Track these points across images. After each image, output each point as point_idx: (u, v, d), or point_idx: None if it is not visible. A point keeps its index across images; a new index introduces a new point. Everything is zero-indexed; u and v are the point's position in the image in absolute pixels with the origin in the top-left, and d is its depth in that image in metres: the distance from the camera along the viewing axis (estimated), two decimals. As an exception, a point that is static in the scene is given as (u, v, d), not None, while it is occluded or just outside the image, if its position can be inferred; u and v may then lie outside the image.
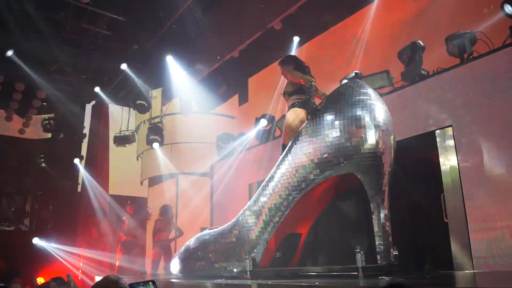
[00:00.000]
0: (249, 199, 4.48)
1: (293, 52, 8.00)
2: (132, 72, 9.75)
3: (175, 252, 6.97)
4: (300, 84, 4.27)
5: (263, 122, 7.18)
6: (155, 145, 9.53)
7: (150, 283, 2.44)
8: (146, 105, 10.18)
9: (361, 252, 3.25)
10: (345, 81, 5.31)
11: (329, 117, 3.74)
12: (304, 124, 4.02)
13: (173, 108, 10.24)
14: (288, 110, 4.44)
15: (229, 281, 3.83)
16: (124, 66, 9.69)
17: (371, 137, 3.58)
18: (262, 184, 4.26)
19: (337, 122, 3.68)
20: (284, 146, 4.26)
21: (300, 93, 4.35)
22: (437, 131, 4.36)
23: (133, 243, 8.01)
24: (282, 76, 4.69)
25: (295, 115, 4.26)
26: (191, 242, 4.98)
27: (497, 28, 4.63)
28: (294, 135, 4.11)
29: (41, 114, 11.48)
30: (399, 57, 5.27)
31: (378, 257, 3.46)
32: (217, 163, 7.98)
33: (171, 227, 7.94)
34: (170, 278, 5.04)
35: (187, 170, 9.48)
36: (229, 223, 4.52)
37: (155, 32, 8.92)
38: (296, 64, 4.54)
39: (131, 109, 10.95)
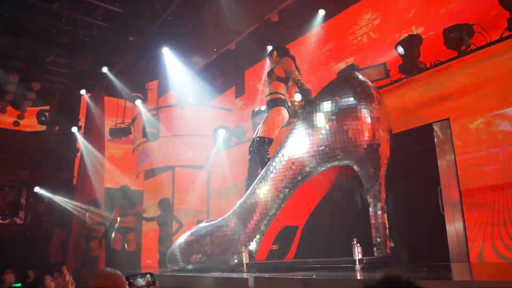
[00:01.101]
0: (245, 191, 4.46)
1: (290, 44, 7.96)
2: (128, 64, 9.69)
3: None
4: (289, 73, 4.39)
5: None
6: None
7: (148, 275, 2.43)
8: (142, 97, 10.13)
9: (358, 244, 3.25)
10: (341, 73, 5.29)
11: (325, 109, 3.72)
12: (286, 122, 4.48)
13: (169, 100, 10.19)
14: (270, 106, 4.53)
15: (226, 274, 3.82)
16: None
17: (368, 129, 3.56)
18: (259, 176, 4.25)
19: (333, 114, 3.66)
20: (265, 139, 4.44)
21: (284, 82, 4.50)
22: (434, 124, 4.34)
23: (127, 228, 8.03)
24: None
25: (280, 113, 4.45)
26: (187, 235, 4.97)
27: (495, 21, 4.62)
28: (277, 131, 4.43)
29: (36, 106, 11.42)
30: (397, 50, 5.25)
31: (375, 249, 3.46)
32: (213, 155, 7.96)
33: (171, 220, 7.91)
34: (166, 270, 5.04)
35: (184, 163, 9.45)
36: (226, 215, 4.50)
37: (151, 24, 8.85)
38: (278, 51, 4.68)
39: (127, 101, 10.89)
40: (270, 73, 4.65)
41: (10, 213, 10.98)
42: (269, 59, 4.85)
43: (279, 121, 4.45)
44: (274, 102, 4.51)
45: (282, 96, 4.54)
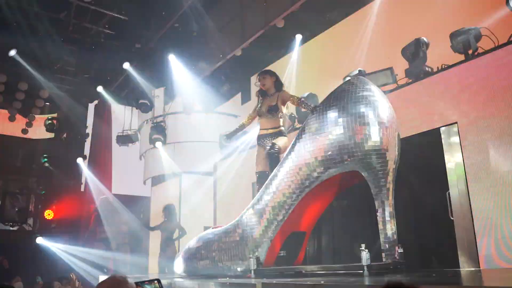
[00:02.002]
0: (253, 197, 4.45)
1: (296, 50, 7.99)
2: (134, 71, 9.75)
3: (178, 251, 6.95)
4: (291, 101, 4.66)
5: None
6: (158, 144, 9.54)
7: (156, 281, 2.42)
8: (149, 104, 10.17)
9: (366, 250, 3.23)
10: (348, 78, 5.28)
11: (332, 115, 3.71)
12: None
13: (175, 107, 10.22)
14: (277, 136, 4.73)
15: (233, 280, 3.81)
16: (126, 65, 9.69)
17: (375, 134, 3.55)
18: (266, 182, 4.24)
19: (340, 120, 3.65)
20: (278, 147, 4.62)
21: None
22: (442, 128, 4.32)
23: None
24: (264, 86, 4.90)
25: (287, 141, 4.63)
26: (194, 241, 4.96)
27: (502, 24, 4.60)
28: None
29: (44, 114, 11.52)
30: (403, 54, 5.24)
31: (383, 255, 3.43)
32: (220, 161, 7.96)
33: (174, 226, 7.91)
34: (173, 277, 5.03)
35: (190, 169, 9.46)
36: (233, 222, 4.49)
37: (157, 31, 8.91)
38: (276, 81, 4.87)
39: (134, 108, 10.95)
40: (275, 110, 4.76)
41: (19, 220, 11.03)
42: (261, 80, 4.93)
43: (287, 146, 4.61)
44: (281, 133, 4.77)
45: (279, 123, 4.81)
